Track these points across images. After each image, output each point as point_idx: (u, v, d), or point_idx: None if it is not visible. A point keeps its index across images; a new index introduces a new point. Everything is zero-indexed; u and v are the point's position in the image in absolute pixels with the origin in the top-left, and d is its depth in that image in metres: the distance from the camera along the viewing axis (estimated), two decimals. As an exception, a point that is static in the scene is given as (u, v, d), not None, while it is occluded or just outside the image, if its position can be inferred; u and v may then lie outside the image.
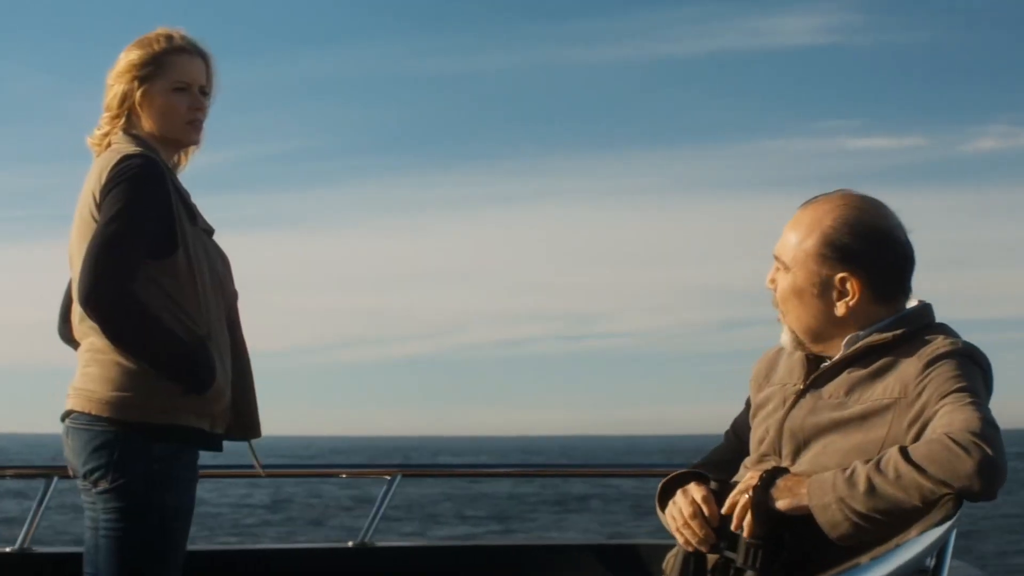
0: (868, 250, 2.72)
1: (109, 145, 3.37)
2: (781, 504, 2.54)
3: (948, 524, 2.32)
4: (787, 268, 2.78)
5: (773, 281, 2.82)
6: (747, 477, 2.64)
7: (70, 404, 3.29)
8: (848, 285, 2.72)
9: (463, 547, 4.56)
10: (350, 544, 4.29)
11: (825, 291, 2.74)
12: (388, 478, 4.42)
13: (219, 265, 3.42)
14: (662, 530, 2.88)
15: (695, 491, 2.71)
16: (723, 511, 2.64)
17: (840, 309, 2.73)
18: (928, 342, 2.67)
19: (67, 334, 3.45)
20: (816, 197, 2.80)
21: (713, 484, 2.72)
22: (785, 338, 2.81)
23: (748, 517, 2.57)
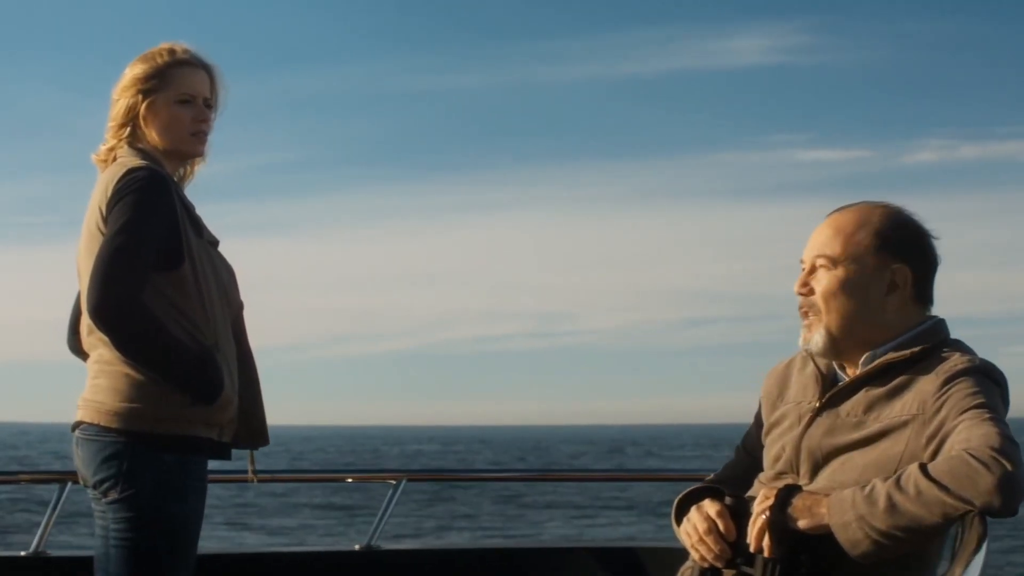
0: (916, 243, 2.78)
1: (115, 159, 3.37)
2: (802, 524, 2.54)
3: (985, 546, 2.36)
4: (833, 264, 2.75)
5: (806, 284, 2.79)
6: (761, 495, 2.62)
7: (80, 415, 3.30)
8: (900, 277, 2.75)
9: (469, 550, 4.58)
10: (356, 547, 4.32)
11: (877, 284, 2.74)
12: (393, 483, 4.45)
13: (224, 276, 3.42)
14: (670, 534, 2.89)
15: (710, 507, 2.70)
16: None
17: (888, 304, 2.74)
18: (945, 359, 2.68)
19: (76, 346, 3.45)
20: (846, 205, 2.82)
21: (728, 499, 2.70)
22: (818, 339, 2.77)
23: (766, 537, 2.56)
